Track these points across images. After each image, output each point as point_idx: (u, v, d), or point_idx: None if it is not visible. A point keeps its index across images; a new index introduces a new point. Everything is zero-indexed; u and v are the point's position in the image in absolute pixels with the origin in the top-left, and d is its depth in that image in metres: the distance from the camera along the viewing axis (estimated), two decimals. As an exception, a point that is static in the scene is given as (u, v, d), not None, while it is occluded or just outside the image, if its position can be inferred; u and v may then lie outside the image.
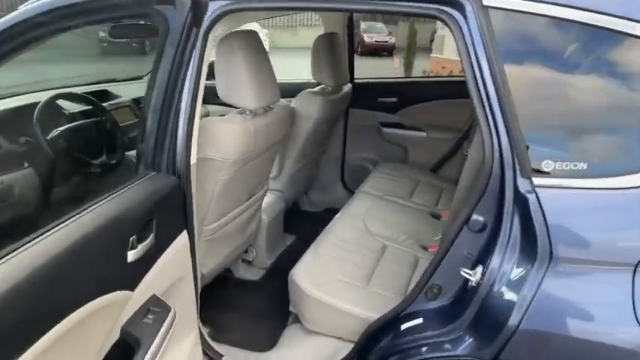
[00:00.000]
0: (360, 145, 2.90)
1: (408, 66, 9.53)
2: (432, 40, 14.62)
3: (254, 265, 2.30)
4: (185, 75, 1.27)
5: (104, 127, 2.19)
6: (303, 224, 2.75)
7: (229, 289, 2.13)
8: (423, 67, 9.96)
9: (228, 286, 2.14)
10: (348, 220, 2.02)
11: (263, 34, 16.41)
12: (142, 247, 1.04)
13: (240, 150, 1.58)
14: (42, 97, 2.07)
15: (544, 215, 0.99)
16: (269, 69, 1.66)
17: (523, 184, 1.02)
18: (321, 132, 2.51)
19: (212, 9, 1.26)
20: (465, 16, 1.07)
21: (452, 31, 1.11)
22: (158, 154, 1.24)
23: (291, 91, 2.63)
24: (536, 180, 1.02)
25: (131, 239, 1.00)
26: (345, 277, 1.62)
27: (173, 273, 1.25)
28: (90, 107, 2.22)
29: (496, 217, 1.09)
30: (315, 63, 2.32)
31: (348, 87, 2.67)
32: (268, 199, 2.36)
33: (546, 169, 1.02)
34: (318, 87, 2.48)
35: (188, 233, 1.29)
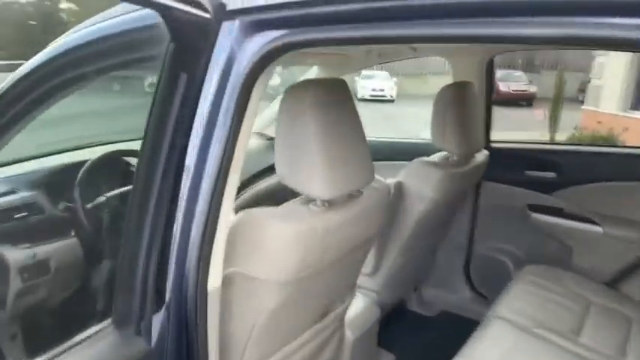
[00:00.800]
0: (495, 232, 2.11)
1: (555, 119, 8.27)
2: (581, 90, 13.24)
3: None
4: (206, 148, 0.77)
5: None
6: (408, 334, 2.05)
7: None
8: (572, 121, 8.59)
9: None
10: None
11: (391, 82, 16.60)
12: None
13: (299, 264, 0.97)
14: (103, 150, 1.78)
15: None
16: (358, 137, 1.05)
17: None
18: (440, 215, 1.80)
19: (256, 45, 0.76)
20: None
21: None
22: (129, 289, 0.70)
23: (403, 152, 2.00)
24: None
25: None
26: None
27: None
28: None
29: None
30: (436, 124, 1.65)
31: (482, 155, 1.94)
32: (357, 304, 1.70)
33: None
34: (439, 154, 1.80)
35: None
